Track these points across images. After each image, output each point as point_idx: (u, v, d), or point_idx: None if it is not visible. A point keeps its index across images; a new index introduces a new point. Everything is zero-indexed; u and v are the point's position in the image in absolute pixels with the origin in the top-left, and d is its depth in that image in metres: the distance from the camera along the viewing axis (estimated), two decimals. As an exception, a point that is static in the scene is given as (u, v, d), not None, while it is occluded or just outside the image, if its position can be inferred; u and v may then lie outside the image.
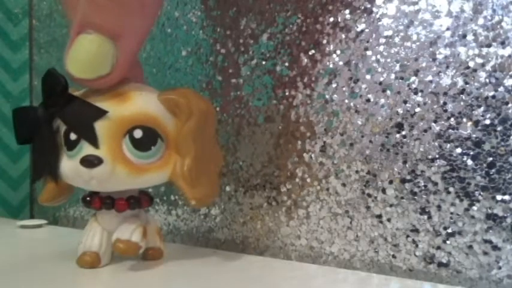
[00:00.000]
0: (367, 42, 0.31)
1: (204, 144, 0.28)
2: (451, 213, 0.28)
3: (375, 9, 0.31)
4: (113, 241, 0.27)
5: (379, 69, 0.30)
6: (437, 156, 0.29)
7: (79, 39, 0.25)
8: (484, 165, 0.27)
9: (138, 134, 0.26)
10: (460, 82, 0.28)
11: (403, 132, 0.30)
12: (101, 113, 0.26)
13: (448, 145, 0.28)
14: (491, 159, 0.27)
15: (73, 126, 0.26)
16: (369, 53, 0.31)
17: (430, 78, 0.29)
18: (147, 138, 0.26)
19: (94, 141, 0.25)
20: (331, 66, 0.32)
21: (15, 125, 0.27)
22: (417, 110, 0.29)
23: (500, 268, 0.27)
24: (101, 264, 0.28)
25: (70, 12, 0.27)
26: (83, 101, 0.26)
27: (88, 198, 0.29)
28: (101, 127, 0.26)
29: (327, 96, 0.32)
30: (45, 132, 0.27)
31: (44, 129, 0.27)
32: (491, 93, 0.27)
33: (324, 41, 0.32)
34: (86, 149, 0.26)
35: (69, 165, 0.26)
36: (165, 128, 0.27)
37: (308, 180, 0.33)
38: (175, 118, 0.27)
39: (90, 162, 0.25)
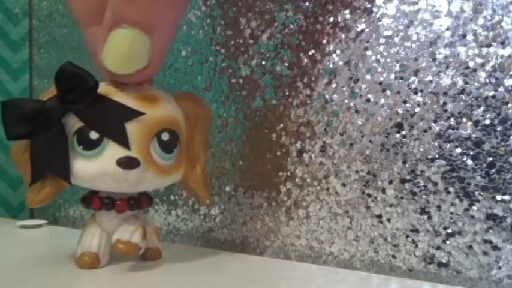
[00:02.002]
0: (367, 42, 0.31)
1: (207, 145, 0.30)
2: (451, 213, 0.28)
3: (375, 9, 0.31)
4: (113, 242, 0.27)
5: (379, 69, 0.30)
6: (437, 156, 0.28)
7: (114, 34, 0.24)
8: (484, 165, 0.27)
9: (165, 136, 0.26)
10: (460, 82, 0.28)
11: (403, 132, 0.30)
12: (136, 114, 0.25)
13: (448, 145, 0.28)
14: (491, 159, 0.27)
15: (100, 126, 0.25)
16: (368, 53, 0.31)
17: (430, 78, 0.29)
18: (172, 141, 0.27)
19: (125, 142, 0.25)
20: (331, 66, 0.32)
21: (4, 118, 0.25)
22: (417, 110, 0.29)
23: (500, 268, 0.27)
24: (100, 265, 0.28)
25: (81, 11, 0.26)
26: (113, 101, 0.25)
27: (87, 199, 0.28)
28: (132, 128, 0.25)
29: (327, 96, 0.32)
30: (56, 129, 0.25)
31: (54, 125, 0.25)
32: (491, 93, 0.27)
33: (324, 41, 0.32)
34: (113, 149, 0.25)
35: (90, 166, 0.25)
36: (182, 130, 0.28)
37: (308, 180, 0.33)
38: (187, 121, 0.28)
39: (128, 163, 0.25)
